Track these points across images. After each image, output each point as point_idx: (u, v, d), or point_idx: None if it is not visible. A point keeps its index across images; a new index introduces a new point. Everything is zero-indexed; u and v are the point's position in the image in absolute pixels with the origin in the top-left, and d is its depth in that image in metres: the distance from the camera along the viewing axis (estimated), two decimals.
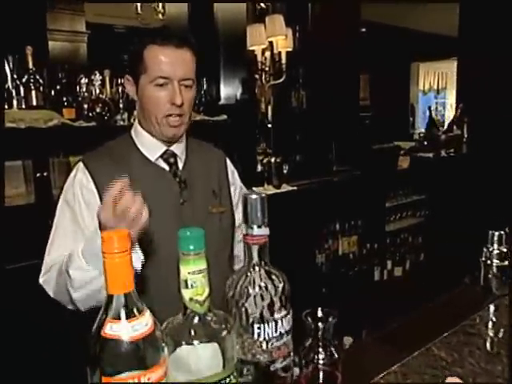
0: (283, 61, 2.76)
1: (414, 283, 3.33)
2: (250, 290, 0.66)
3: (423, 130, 5.55)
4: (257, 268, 0.67)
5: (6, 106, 1.96)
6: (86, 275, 0.95)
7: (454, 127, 4.40)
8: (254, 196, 0.66)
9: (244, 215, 0.66)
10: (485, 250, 1.20)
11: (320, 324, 0.75)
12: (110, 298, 0.52)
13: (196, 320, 0.60)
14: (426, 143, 4.49)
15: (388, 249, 3.45)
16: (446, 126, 5.33)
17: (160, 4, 2.66)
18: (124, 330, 0.51)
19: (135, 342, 0.52)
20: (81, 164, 1.15)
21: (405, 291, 3.12)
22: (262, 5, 3.00)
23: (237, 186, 1.35)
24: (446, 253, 3.47)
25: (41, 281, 1.12)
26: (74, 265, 0.97)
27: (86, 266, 0.94)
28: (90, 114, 2.15)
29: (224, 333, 0.61)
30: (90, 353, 0.52)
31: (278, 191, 2.71)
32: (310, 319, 0.75)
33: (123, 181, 0.88)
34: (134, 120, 1.29)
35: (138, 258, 0.95)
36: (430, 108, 5.07)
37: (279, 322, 0.66)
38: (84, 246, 0.96)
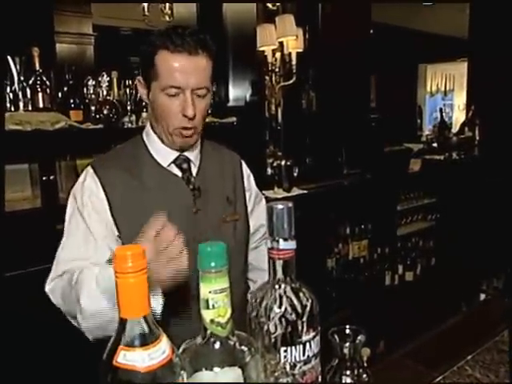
0: (293, 62, 2.70)
1: (425, 288, 3.26)
2: (275, 309, 0.60)
3: (430, 132, 5.48)
4: (282, 285, 0.61)
5: (13, 108, 1.92)
6: (98, 304, 0.87)
7: (466, 129, 4.33)
8: (280, 206, 0.60)
9: (269, 227, 0.60)
10: None
11: (347, 343, 0.69)
12: (123, 322, 0.47)
13: (217, 343, 0.54)
14: (435, 145, 4.43)
15: (399, 253, 3.39)
16: (454, 128, 5.26)
17: (167, 5, 2.61)
18: (139, 358, 0.46)
19: (152, 372, 0.46)
20: (90, 169, 1.09)
21: (416, 296, 3.06)
22: (270, 5, 2.95)
23: (252, 192, 1.29)
24: (458, 257, 3.41)
25: (47, 289, 1.06)
26: (84, 291, 0.89)
27: (100, 294, 0.86)
28: (98, 116, 2.11)
29: (248, 357, 0.55)
30: (99, 383, 0.47)
31: (288, 194, 2.65)
32: (336, 338, 0.69)
33: (163, 219, 0.81)
34: (144, 122, 1.24)
35: (158, 302, 0.85)
36: (441, 110, 4.99)
37: (307, 344, 0.60)
38: (99, 273, 0.89)
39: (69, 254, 1.05)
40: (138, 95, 1.98)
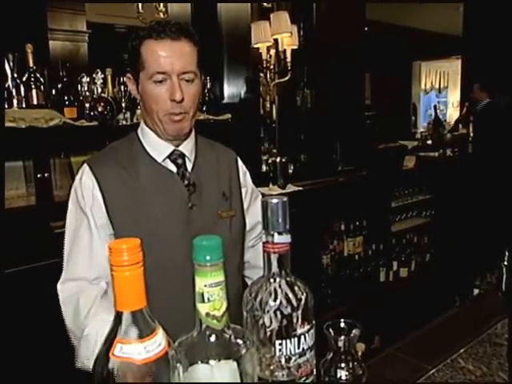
0: (288, 59, 2.70)
1: (419, 284, 3.29)
2: (271, 303, 0.60)
3: (425, 130, 5.51)
4: (277, 279, 0.61)
5: (6, 105, 1.91)
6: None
7: (460, 126, 4.36)
8: (274, 200, 0.60)
9: (264, 221, 0.61)
10: (507, 253, 1.13)
11: (342, 337, 0.70)
12: (119, 315, 0.47)
13: (212, 337, 0.54)
14: (430, 142, 4.46)
15: (393, 249, 3.40)
16: (448, 125, 5.30)
17: (162, 3, 2.60)
18: (135, 351, 0.46)
19: (148, 364, 0.47)
20: (86, 167, 1.09)
21: (410, 292, 3.08)
22: (265, 4, 2.94)
23: (248, 188, 1.29)
24: (452, 253, 3.43)
25: (58, 288, 1.06)
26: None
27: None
28: (92, 114, 2.10)
29: (243, 350, 0.55)
30: (96, 376, 0.47)
31: (283, 191, 2.66)
32: (331, 332, 0.70)
33: None
34: (138, 119, 1.24)
35: None
36: (435, 107, 5.02)
37: (302, 337, 0.60)
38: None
39: (77, 265, 1.05)
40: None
